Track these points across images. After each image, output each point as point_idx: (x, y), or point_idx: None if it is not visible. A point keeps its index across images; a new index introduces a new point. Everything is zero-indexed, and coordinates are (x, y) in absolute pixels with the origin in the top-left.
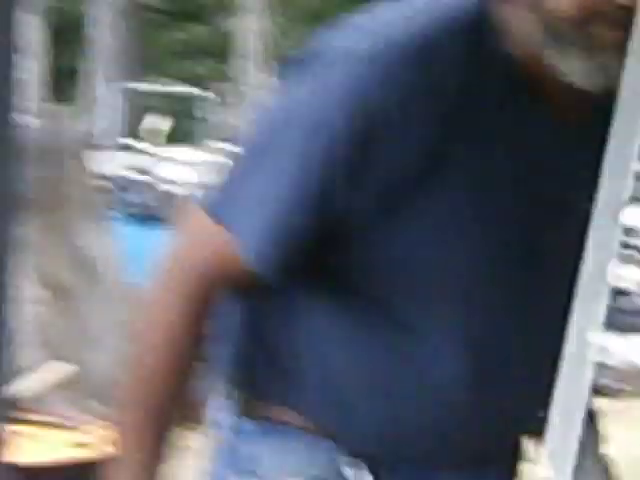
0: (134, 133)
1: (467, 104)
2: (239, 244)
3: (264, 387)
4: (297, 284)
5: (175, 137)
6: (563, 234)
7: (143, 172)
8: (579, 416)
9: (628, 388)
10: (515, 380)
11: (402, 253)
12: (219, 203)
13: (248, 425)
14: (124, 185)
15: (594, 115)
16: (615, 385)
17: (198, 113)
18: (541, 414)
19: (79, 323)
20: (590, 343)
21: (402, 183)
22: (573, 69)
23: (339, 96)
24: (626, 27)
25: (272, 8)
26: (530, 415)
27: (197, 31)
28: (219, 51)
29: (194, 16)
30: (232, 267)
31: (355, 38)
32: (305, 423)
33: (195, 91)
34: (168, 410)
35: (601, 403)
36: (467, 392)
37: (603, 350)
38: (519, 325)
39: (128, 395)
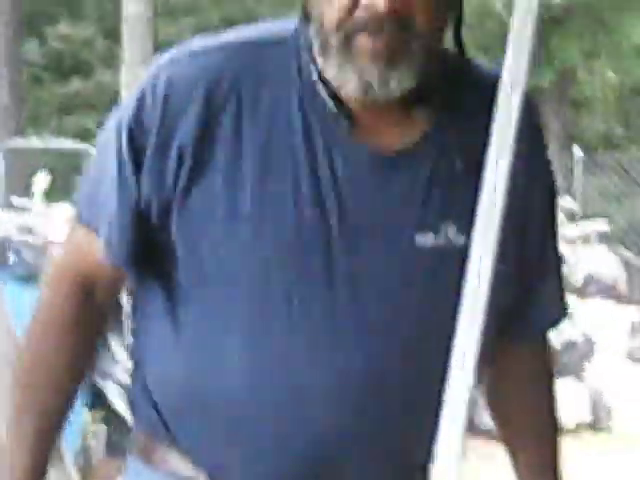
0: (18, 191)
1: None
2: (97, 239)
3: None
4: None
5: (63, 194)
6: (366, 259)
7: (29, 231)
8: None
9: None
10: (302, 394)
11: (193, 251)
12: (81, 207)
13: (131, 462)
14: (8, 245)
15: (421, 145)
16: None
17: (82, 168)
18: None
19: None
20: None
21: (174, 189)
22: (345, 80)
23: (119, 114)
24: (390, 35)
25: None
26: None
27: (81, 85)
28: (104, 104)
29: (76, 70)
30: (96, 261)
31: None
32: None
33: (80, 146)
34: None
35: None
36: (247, 394)
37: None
38: (304, 337)
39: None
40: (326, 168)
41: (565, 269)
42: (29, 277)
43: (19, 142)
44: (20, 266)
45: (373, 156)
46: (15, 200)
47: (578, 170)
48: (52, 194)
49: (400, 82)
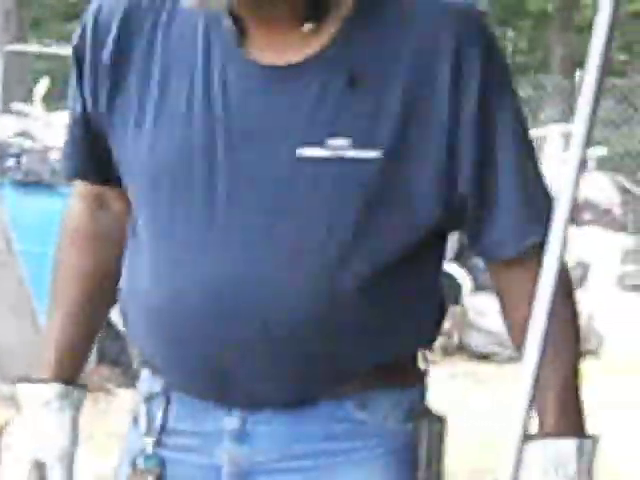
0: (18, 97)
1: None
2: None
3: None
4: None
5: (63, 100)
6: (245, 166)
7: (28, 137)
8: None
9: (507, 352)
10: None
11: (123, 160)
12: None
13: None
14: (10, 151)
15: (316, 58)
16: (493, 349)
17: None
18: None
19: None
20: None
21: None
22: None
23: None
24: None
25: None
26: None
27: None
28: None
29: None
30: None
31: None
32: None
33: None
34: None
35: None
36: (151, 291)
37: (479, 312)
38: (184, 240)
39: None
40: (219, 82)
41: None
42: (28, 182)
43: (20, 47)
44: (19, 171)
45: (264, 69)
46: (15, 105)
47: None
48: (52, 100)
49: None
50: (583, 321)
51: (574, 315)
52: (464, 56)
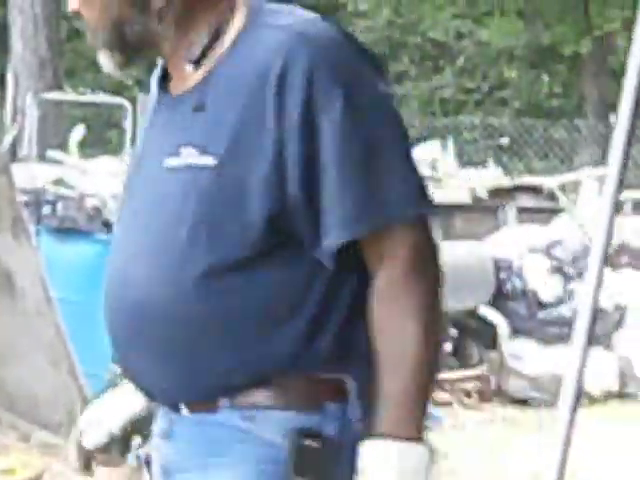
0: (55, 144)
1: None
2: None
3: None
4: None
5: (98, 148)
6: (138, 181)
7: (64, 184)
8: None
9: (544, 397)
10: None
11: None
12: None
13: None
14: (46, 198)
15: (192, 89)
16: (529, 393)
17: (119, 122)
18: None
19: None
20: None
21: None
22: None
23: None
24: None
25: None
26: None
27: None
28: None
29: None
30: None
31: None
32: None
33: (116, 100)
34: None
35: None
36: (108, 288)
37: (516, 357)
38: (133, 241)
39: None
40: (152, 112)
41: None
42: (64, 229)
43: (56, 95)
44: (55, 218)
45: (167, 100)
46: (50, 153)
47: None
48: (87, 147)
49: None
50: (620, 365)
51: (417, 339)
52: (287, 76)
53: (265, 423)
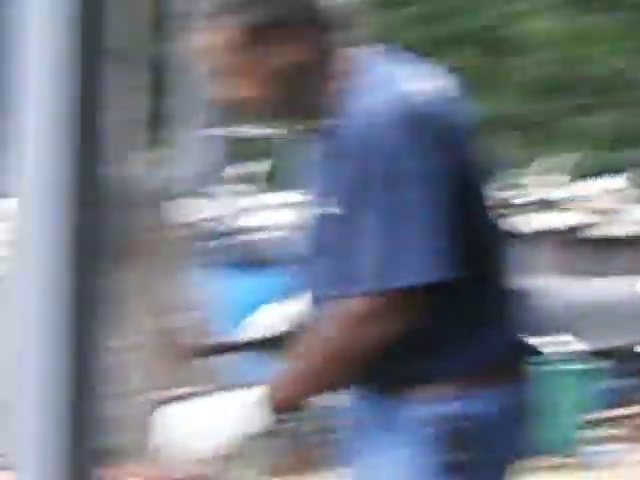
0: (224, 179)
1: None
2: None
3: None
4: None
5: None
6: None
7: (232, 219)
8: None
9: None
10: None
11: None
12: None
13: None
14: (214, 233)
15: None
16: None
17: (284, 156)
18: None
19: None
20: None
21: None
22: None
23: None
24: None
25: None
26: None
27: None
28: None
29: None
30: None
31: None
32: None
33: (279, 133)
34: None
35: None
36: None
37: None
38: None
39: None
40: None
41: None
42: (242, 263)
43: (235, 130)
44: (229, 253)
45: (315, 148)
46: (225, 187)
47: None
48: (262, 182)
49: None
50: None
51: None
52: (345, 150)
53: (428, 410)
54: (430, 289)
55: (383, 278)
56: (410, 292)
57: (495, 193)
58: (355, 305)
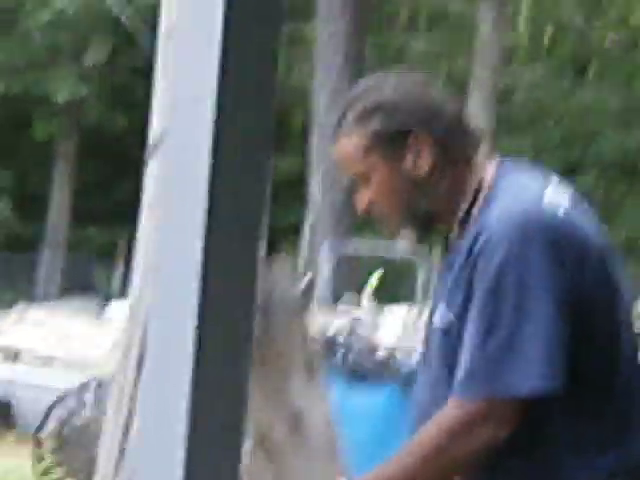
0: (352, 292)
1: None
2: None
3: None
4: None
5: (389, 295)
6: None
7: (356, 332)
8: None
9: None
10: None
11: None
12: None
13: None
14: (342, 345)
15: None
16: None
17: (413, 273)
18: None
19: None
20: None
21: None
22: None
23: None
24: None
25: None
26: None
27: None
28: None
29: None
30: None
31: None
32: None
33: (405, 254)
34: None
35: None
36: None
37: None
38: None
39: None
40: None
41: None
42: (355, 377)
43: (350, 249)
44: (346, 366)
45: (445, 259)
46: (344, 301)
47: None
48: (381, 295)
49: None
50: None
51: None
52: (475, 260)
53: None
54: (540, 399)
55: (496, 385)
56: (520, 401)
57: (632, 310)
58: (466, 409)
